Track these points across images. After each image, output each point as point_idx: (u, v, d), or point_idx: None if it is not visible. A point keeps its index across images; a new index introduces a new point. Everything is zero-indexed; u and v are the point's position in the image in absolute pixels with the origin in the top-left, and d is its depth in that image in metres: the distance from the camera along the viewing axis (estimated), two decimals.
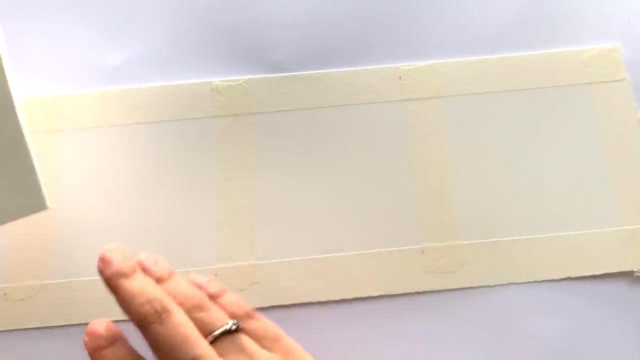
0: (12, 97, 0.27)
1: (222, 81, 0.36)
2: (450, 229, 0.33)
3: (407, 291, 0.32)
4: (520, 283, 0.33)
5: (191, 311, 0.25)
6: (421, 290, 0.32)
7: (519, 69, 0.36)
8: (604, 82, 0.36)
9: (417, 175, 0.34)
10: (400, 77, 0.36)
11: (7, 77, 0.27)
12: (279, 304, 0.32)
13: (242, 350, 0.25)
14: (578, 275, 0.33)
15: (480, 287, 0.33)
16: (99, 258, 0.26)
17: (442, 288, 0.33)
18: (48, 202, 0.27)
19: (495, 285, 0.33)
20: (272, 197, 0.34)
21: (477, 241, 0.33)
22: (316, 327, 0.32)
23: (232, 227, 0.33)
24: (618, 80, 0.36)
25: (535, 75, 0.36)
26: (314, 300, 0.32)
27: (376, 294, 0.32)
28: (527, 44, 0.37)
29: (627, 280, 0.33)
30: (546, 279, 0.33)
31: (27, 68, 0.36)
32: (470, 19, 0.38)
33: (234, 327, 0.25)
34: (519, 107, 0.35)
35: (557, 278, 0.33)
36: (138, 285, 0.25)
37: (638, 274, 0.33)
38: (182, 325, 0.24)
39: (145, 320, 0.24)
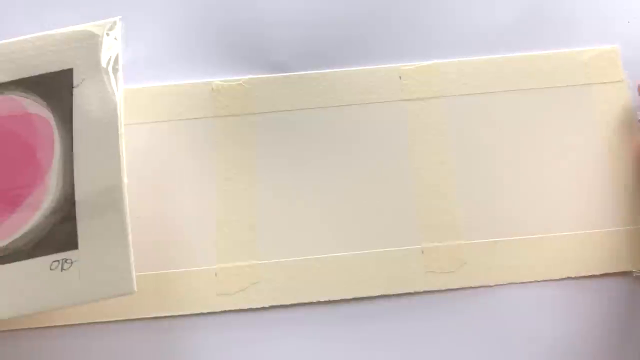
0: (123, 184, 0.27)
1: (222, 81, 0.36)
2: (450, 229, 0.33)
3: (407, 291, 0.32)
4: (520, 283, 0.33)
5: None
6: (421, 290, 0.32)
7: (519, 69, 0.36)
8: (604, 82, 0.36)
9: (417, 175, 0.34)
10: (400, 77, 0.36)
11: (122, 167, 0.27)
12: (279, 304, 0.32)
13: None
14: (578, 275, 0.33)
15: (480, 287, 0.33)
16: None
17: (442, 288, 0.33)
18: (135, 286, 0.26)
19: (495, 285, 0.33)
20: (272, 197, 0.34)
21: (477, 241, 0.33)
22: (316, 327, 0.32)
23: (232, 227, 0.33)
24: (617, 81, 0.36)
25: (535, 75, 0.36)
26: (314, 300, 0.32)
27: (376, 294, 0.32)
28: (527, 44, 0.37)
29: (627, 280, 0.33)
30: (546, 279, 0.33)
31: None
32: (470, 19, 0.38)
33: None
34: (519, 107, 0.35)
35: (557, 278, 0.33)
36: None
37: (638, 274, 0.33)
38: None
39: None
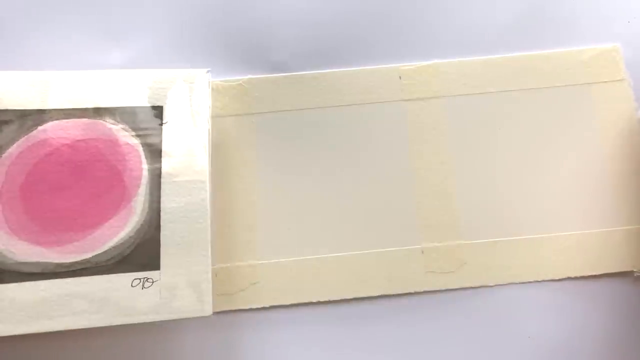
0: (208, 216, 0.29)
1: (222, 81, 0.36)
2: (450, 229, 0.33)
3: (407, 291, 0.32)
4: (520, 283, 0.33)
5: None
6: (421, 290, 0.32)
7: (519, 69, 0.36)
8: (604, 82, 0.36)
9: (417, 175, 0.34)
10: (400, 77, 0.36)
11: (208, 192, 0.30)
12: (279, 304, 0.32)
13: None
14: (578, 275, 0.33)
15: (480, 287, 0.33)
16: None
17: (442, 288, 0.33)
18: (211, 310, 0.28)
19: (495, 285, 0.33)
20: (272, 197, 0.34)
21: (477, 241, 0.33)
22: (316, 327, 0.32)
23: (232, 227, 0.33)
24: (618, 80, 0.36)
25: (535, 75, 0.36)
26: (314, 300, 0.32)
27: (376, 294, 0.32)
28: (527, 44, 0.37)
29: (627, 280, 0.33)
30: (546, 279, 0.33)
31: (27, 68, 0.36)
32: (470, 19, 0.38)
33: None
34: (519, 107, 0.35)
35: (557, 278, 0.33)
36: None
37: (638, 274, 0.33)
38: None
39: None
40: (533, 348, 0.32)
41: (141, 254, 0.28)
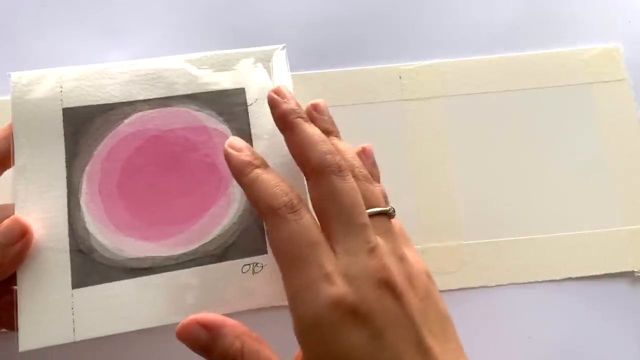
0: (306, 191, 0.28)
1: None
2: (450, 229, 0.33)
3: None
4: (520, 283, 0.33)
5: (358, 178, 0.25)
6: None
7: (519, 69, 0.36)
8: (604, 82, 0.36)
9: (417, 175, 0.34)
10: (400, 77, 0.36)
11: (304, 181, 0.28)
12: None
13: (391, 233, 0.25)
14: (578, 275, 0.33)
15: (480, 287, 0.33)
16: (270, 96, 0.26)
17: (442, 288, 0.32)
18: None
19: (495, 285, 0.33)
20: None
21: (477, 241, 0.33)
22: None
23: None
24: (618, 80, 0.36)
25: (535, 75, 0.36)
26: None
27: None
28: (527, 44, 0.37)
29: (627, 280, 0.33)
30: (546, 279, 0.33)
31: (27, 68, 0.36)
32: (470, 18, 0.38)
33: (391, 212, 0.26)
34: (519, 107, 0.35)
35: (557, 278, 0.33)
36: (313, 132, 0.25)
37: (638, 274, 0.33)
38: (356, 188, 0.24)
39: (325, 168, 0.24)
40: (533, 348, 0.32)
41: (247, 240, 0.28)
